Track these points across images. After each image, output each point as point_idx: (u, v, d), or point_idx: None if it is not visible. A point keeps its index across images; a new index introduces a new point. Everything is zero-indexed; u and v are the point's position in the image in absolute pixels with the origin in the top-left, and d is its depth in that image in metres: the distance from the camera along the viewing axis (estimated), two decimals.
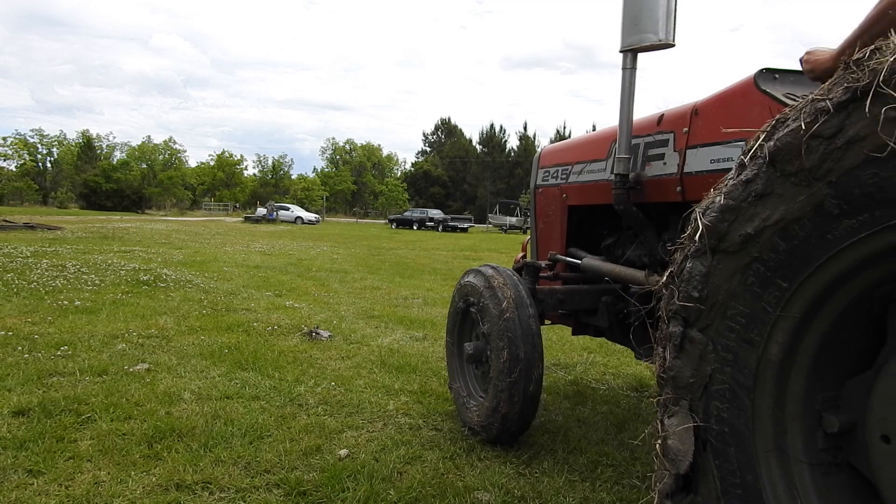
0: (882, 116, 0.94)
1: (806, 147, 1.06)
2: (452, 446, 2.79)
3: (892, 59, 0.94)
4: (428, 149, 70.75)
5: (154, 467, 2.43)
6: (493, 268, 2.93)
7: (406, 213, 42.35)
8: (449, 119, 72.06)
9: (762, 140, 1.17)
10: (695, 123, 2.26)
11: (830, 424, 1.17)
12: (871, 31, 1.46)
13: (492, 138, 67.53)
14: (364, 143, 74.67)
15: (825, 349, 1.18)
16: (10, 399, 3.07)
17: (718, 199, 1.24)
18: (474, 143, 68.67)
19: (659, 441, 1.34)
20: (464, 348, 2.98)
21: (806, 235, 1.10)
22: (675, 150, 2.36)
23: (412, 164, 72.27)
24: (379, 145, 77.27)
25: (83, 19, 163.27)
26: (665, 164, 2.41)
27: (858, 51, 1.04)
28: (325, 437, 2.82)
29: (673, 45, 2.21)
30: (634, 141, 2.55)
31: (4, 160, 55.17)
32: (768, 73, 1.99)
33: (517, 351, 2.58)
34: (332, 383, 3.66)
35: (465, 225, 38.45)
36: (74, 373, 3.59)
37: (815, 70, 1.65)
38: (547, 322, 3.44)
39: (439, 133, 70.85)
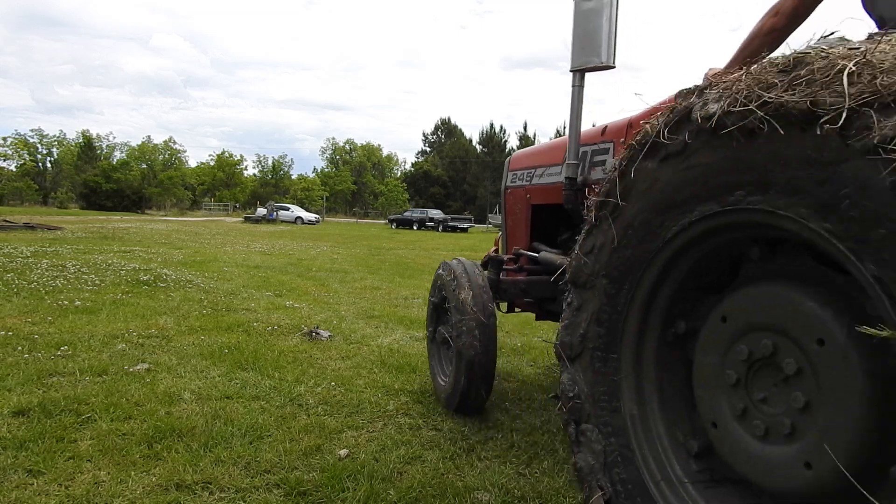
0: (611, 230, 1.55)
1: (584, 263, 1.63)
2: (452, 446, 2.79)
3: (605, 193, 1.55)
4: (428, 149, 70.74)
5: (154, 467, 2.43)
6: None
7: (406, 214, 42.37)
8: (449, 119, 72.15)
9: (566, 272, 1.71)
10: (629, 135, 2.52)
11: (691, 448, 1.49)
12: (744, 55, 1.83)
13: (492, 138, 67.54)
14: (364, 143, 74.79)
15: (664, 393, 1.56)
16: (10, 399, 3.07)
17: (560, 324, 1.72)
18: (474, 143, 68.71)
19: None
20: (436, 336, 3.40)
21: (608, 317, 1.58)
22: (614, 158, 2.64)
23: (412, 164, 72.35)
24: (379, 145, 77.44)
25: (83, 19, 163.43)
26: (605, 170, 2.68)
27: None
28: (325, 437, 2.82)
29: (613, 67, 2.52)
30: (583, 149, 2.85)
31: (4, 160, 55.33)
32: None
33: (464, 278, 3.07)
34: (332, 383, 3.66)
35: (465, 225, 38.50)
36: (74, 373, 3.59)
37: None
38: (516, 310, 3.83)
39: (439, 133, 70.85)
